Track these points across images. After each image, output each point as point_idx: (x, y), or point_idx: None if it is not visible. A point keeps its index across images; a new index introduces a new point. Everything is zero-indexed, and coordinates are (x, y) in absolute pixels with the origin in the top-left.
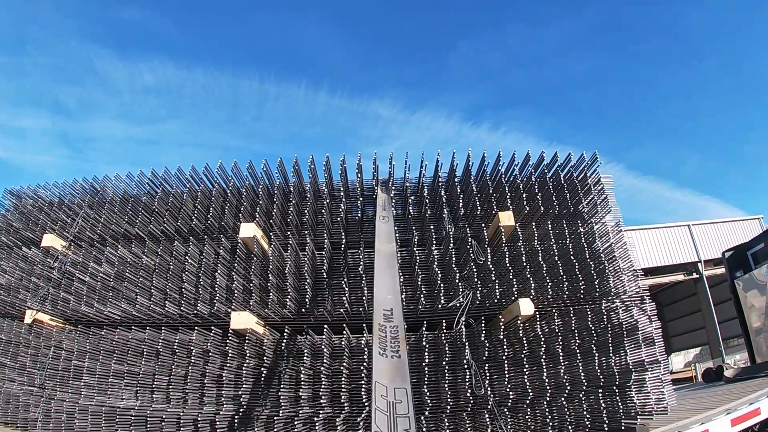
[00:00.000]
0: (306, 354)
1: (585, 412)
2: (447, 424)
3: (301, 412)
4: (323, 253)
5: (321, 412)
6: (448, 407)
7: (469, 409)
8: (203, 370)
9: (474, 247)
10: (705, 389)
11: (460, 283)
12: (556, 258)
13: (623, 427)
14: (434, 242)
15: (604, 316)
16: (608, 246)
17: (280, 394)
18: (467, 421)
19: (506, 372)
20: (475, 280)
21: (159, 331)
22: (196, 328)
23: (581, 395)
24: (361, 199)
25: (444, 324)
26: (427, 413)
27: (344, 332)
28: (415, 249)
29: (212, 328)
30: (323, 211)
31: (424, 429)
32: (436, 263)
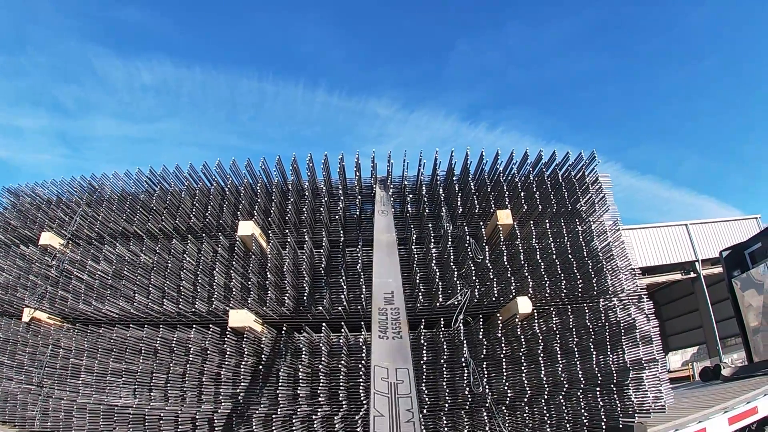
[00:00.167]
0: (304, 352)
1: (583, 410)
2: (445, 422)
3: (299, 410)
4: (321, 251)
5: (319, 410)
6: (447, 405)
7: (467, 407)
8: (201, 368)
9: (472, 246)
10: (702, 388)
11: (458, 282)
12: (554, 256)
13: (621, 426)
14: (432, 240)
15: (602, 315)
16: (606, 245)
17: (278, 392)
18: (465, 419)
19: (504, 370)
20: (473, 278)
21: (157, 329)
22: (194, 326)
23: (579, 393)
24: (359, 197)
25: (442, 322)
26: (425, 411)
27: (342, 330)
28: (413, 247)
29: (210, 326)
30: (321, 209)
31: (423, 427)
32: (434, 261)
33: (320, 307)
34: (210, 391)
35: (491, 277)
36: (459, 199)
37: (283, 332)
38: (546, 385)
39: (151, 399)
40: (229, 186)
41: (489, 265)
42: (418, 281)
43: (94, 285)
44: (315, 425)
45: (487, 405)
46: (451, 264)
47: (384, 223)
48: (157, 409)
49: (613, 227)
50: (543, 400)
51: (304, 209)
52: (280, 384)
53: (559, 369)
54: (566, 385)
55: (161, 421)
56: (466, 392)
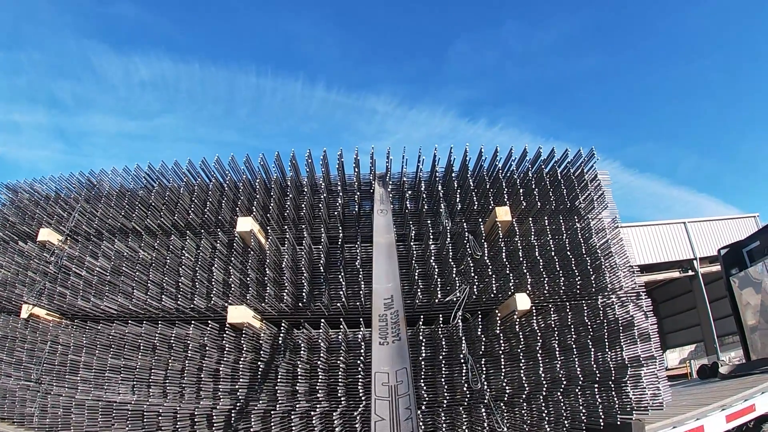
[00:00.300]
0: (303, 348)
1: (581, 407)
2: (444, 418)
3: (297, 406)
4: (320, 247)
5: (318, 406)
6: (445, 401)
7: (465, 404)
8: (200, 365)
9: (471, 242)
10: (700, 385)
11: (457, 278)
12: (553, 253)
13: (619, 423)
14: (431, 237)
15: (600, 312)
16: (604, 242)
17: (277, 388)
18: (464, 416)
19: (503, 367)
20: (472, 275)
21: (156, 326)
22: (192, 322)
23: (577, 390)
24: (358, 193)
25: (441, 318)
26: (423, 407)
27: (341, 326)
28: (412, 244)
29: (209, 322)
30: (320, 205)
31: (421, 423)
32: (433, 258)
33: (319, 304)
34: (209, 387)
35: (490, 273)
36: (458, 196)
37: (282, 328)
38: (544, 382)
39: (149, 395)
40: (228, 182)
41: (488, 261)
42: (416, 278)
43: (92, 281)
44: (314, 421)
45: (485, 401)
46: (450, 261)
47: (383, 224)
48: (156, 406)
49: (612, 224)
50: (541, 397)
51: (303, 205)
52: (278, 380)
53: (558, 366)
54: (564, 382)
55: (160, 417)
56: (465, 389)
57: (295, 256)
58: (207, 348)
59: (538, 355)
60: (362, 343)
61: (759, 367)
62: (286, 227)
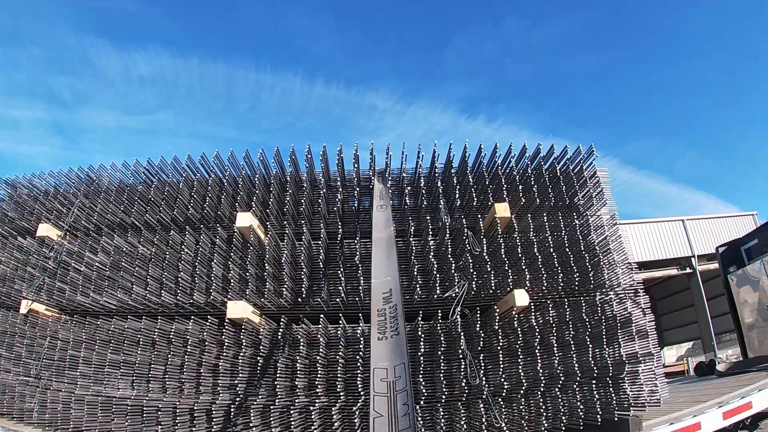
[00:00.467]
0: (302, 343)
1: (578, 403)
2: (442, 413)
3: (297, 401)
4: (319, 243)
5: (317, 401)
6: (443, 397)
7: (464, 399)
8: (199, 360)
9: (470, 238)
10: (697, 383)
11: (455, 274)
12: (552, 250)
13: (616, 419)
14: (430, 233)
15: (599, 308)
16: (603, 239)
17: (276, 383)
18: (462, 411)
19: (501, 362)
20: (471, 270)
21: (155, 321)
22: (192, 317)
23: (575, 386)
24: (357, 189)
25: (439, 314)
26: (422, 402)
27: (340, 322)
28: (411, 239)
29: (208, 317)
30: (320, 201)
31: (419, 418)
32: (432, 254)
33: (318, 299)
34: (208, 382)
35: (488, 269)
36: (457, 192)
37: (281, 324)
38: (542, 378)
39: (149, 390)
40: (227, 177)
41: (486, 257)
42: (415, 273)
43: (91, 276)
44: (313, 416)
45: (483, 397)
46: (449, 256)
47: (382, 219)
48: (155, 401)
49: (610, 221)
50: (539, 393)
51: (302, 201)
52: (277, 375)
53: (556, 362)
54: (562, 378)
55: (159, 413)
56: (463, 384)
57: (295, 251)
58: (206, 343)
59: (536, 351)
60: (361, 339)
61: (756, 365)
62: (285, 223)
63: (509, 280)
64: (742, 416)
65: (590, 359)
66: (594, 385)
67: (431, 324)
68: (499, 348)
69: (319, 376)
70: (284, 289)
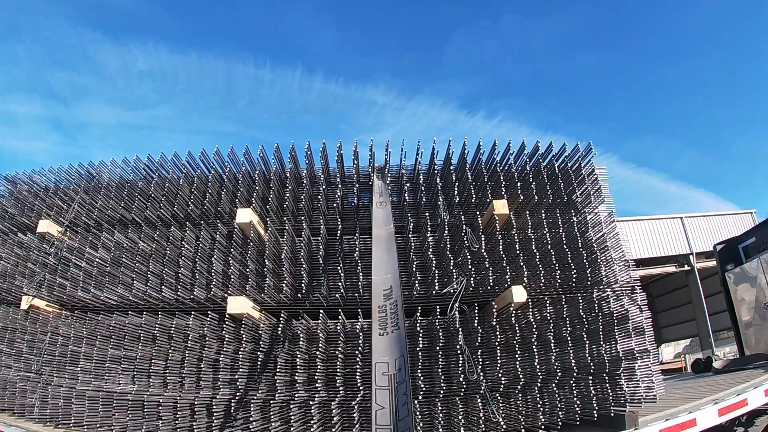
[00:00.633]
0: (302, 339)
1: (575, 399)
2: (440, 408)
3: (296, 396)
4: (319, 239)
5: (316, 396)
6: (442, 392)
7: (461, 394)
8: (200, 355)
9: (468, 235)
10: (694, 380)
11: (454, 270)
12: (549, 247)
13: (612, 414)
14: (429, 229)
15: (596, 305)
16: (601, 236)
17: (276, 378)
18: (460, 406)
19: (498, 358)
20: (469, 267)
21: (155, 316)
22: (192, 313)
23: (572, 382)
24: (357, 186)
25: (438, 310)
26: (420, 397)
27: (339, 317)
28: (410, 235)
29: (209, 313)
30: (319, 197)
31: (418, 409)
32: (430, 250)
33: (318, 295)
34: (208, 377)
35: (487, 266)
36: (456, 189)
37: (281, 319)
38: (539, 374)
39: (149, 385)
40: (227, 173)
41: (485, 254)
42: (414, 270)
43: (92, 272)
44: (312, 411)
45: (481, 392)
46: (448, 253)
47: (382, 216)
48: (156, 395)
49: (608, 219)
50: (536, 388)
51: (302, 197)
52: (277, 370)
53: (553, 358)
54: (559, 374)
55: (160, 407)
56: (461, 379)
57: (294, 247)
58: (207, 338)
59: (534, 347)
60: (360, 334)
61: (752, 362)
62: (285, 219)
63: (507, 277)
64: (737, 413)
65: (587, 355)
66: (591, 381)
67: (430, 320)
68: (496, 344)
69: (318, 371)
70: (284, 285)
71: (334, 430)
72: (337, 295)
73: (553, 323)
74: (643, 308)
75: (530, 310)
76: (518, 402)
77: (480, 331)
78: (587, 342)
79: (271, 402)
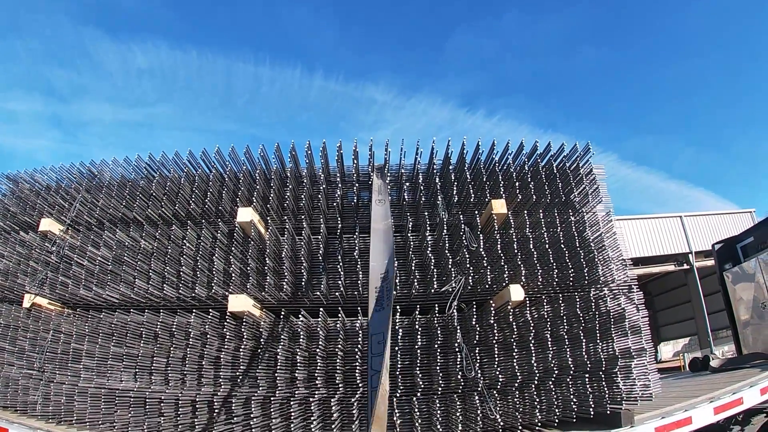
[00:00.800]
0: (302, 336)
1: (572, 396)
2: (438, 405)
3: (297, 393)
4: (319, 237)
5: (316, 393)
6: (440, 389)
7: (459, 391)
8: (201, 352)
9: (467, 234)
10: (691, 378)
11: (452, 269)
12: (547, 246)
13: (608, 412)
14: (428, 228)
15: (593, 304)
16: (598, 235)
17: (276, 375)
18: (458, 403)
19: (496, 356)
20: (468, 266)
21: (157, 314)
22: (194, 310)
23: (569, 380)
24: (357, 185)
25: (436, 308)
26: (419, 394)
27: (339, 315)
28: (409, 234)
29: (210, 310)
30: (319, 196)
31: (417, 410)
32: (429, 249)
33: (318, 293)
34: (210, 374)
35: (485, 265)
36: (455, 188)
37: (282, 317)
38: (536, 371)
39: (151, 382)
40: (228, 173)
41: (483, 253)
42: (413, 268)
43: (94, 271)
44: (312, 407)
45: (479, 389)
46: (446, 252)
47: (381, 212)
48: (158, 393)
49: (606, 218)
50: (533, 386)
51: (302, 196)
52: (278, 367)
53: (550, 356)
54: (556, 372)
55: (162, 404)
56: (459, 377)
57: (295, 246)
58: (208, 336)
59: (531, 345)
60: (360, 332)
61: (749, 361)
62: (285, 218)
63: (505, 276)
64: (733, 411)
65: (584, 354)
66: (587, 379)
67: (428, 318)
68: (494, 342)
69: (318, 368)
70: (284, 283)
71: (333, 426)
72: (336, 294)
73: (550, 322)
74: (639, 307)
75: (528, 308)
76: (515, 399)
77: (478, 329)
78: (584, 340)
79: (272, 399)
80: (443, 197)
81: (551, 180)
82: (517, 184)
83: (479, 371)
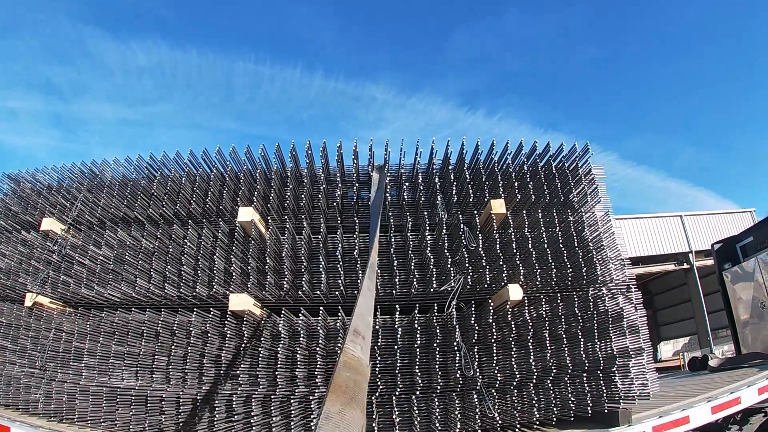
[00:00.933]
0: (302, 335)
1: (570, 395)
2: (437, 403)
3: (297, 391)
4: (319, 237)
5: (316, 391)
6: (439, 387)
7: (458, 390)
8: (202, 351)
9: (466, 234)
10: (689, 377)
11: (451, 268)
12: (546, 246)
13: (606, 411)
14: (428, 228)
15: (591, 304)
16: (597, 235)
17: (276, 373)
18: (456, 401)
19: (495, 355)
20: (467, 265)
21: (158, 313)
22: (195, 309)
23: (567, 379)
24: (356, 184)
25: (436, 307)
26: (418, 393)
27: (339, 314)
28: (408, 234)
29: (211, 309)
30: (319, 195)
31: (416, 408)
32: (429, 248)
33: (317, 292)
34: (210, 373)
35: (484, 264)
36: (454, 188)
37: (282, 316)
38: (535, 371)
39: (153, 381)
40: (229, 172)
41: (482, 253)
42: (413, 268)
43: (95, 270)
44: (312, 405)
45: (477, 388)
46: (446, 251)
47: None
48: (159, 391)
49: (605, 218)
50: (532, 385)
51: (303, 195)
52: (278, 366)
53: (548, 355)
54: (554, 371)
55: (163, 402)
56: (458, 375)
57: (295, 245)
58: (209, 335)
59: (530, 344)
60: None
61: (748, 361)
62: (286, 217)
63: (504, 275)
64: (731, 411)
65: (582, 353)
66: (585, 379)
67: (428, 317)
68: (493, 341)
69: (318, 366)
70: (285, 282)
71: None
72: (336, 293)
73: (548, 321)
74: (637, 307)
75: (526, 307)
76: (514, 398)
77: (477, 328)
78: (582, 340)
79: (272, 397)
80: (442, 197)
81: (550, 180)
82: (516, 183)
83: (478, 370)
